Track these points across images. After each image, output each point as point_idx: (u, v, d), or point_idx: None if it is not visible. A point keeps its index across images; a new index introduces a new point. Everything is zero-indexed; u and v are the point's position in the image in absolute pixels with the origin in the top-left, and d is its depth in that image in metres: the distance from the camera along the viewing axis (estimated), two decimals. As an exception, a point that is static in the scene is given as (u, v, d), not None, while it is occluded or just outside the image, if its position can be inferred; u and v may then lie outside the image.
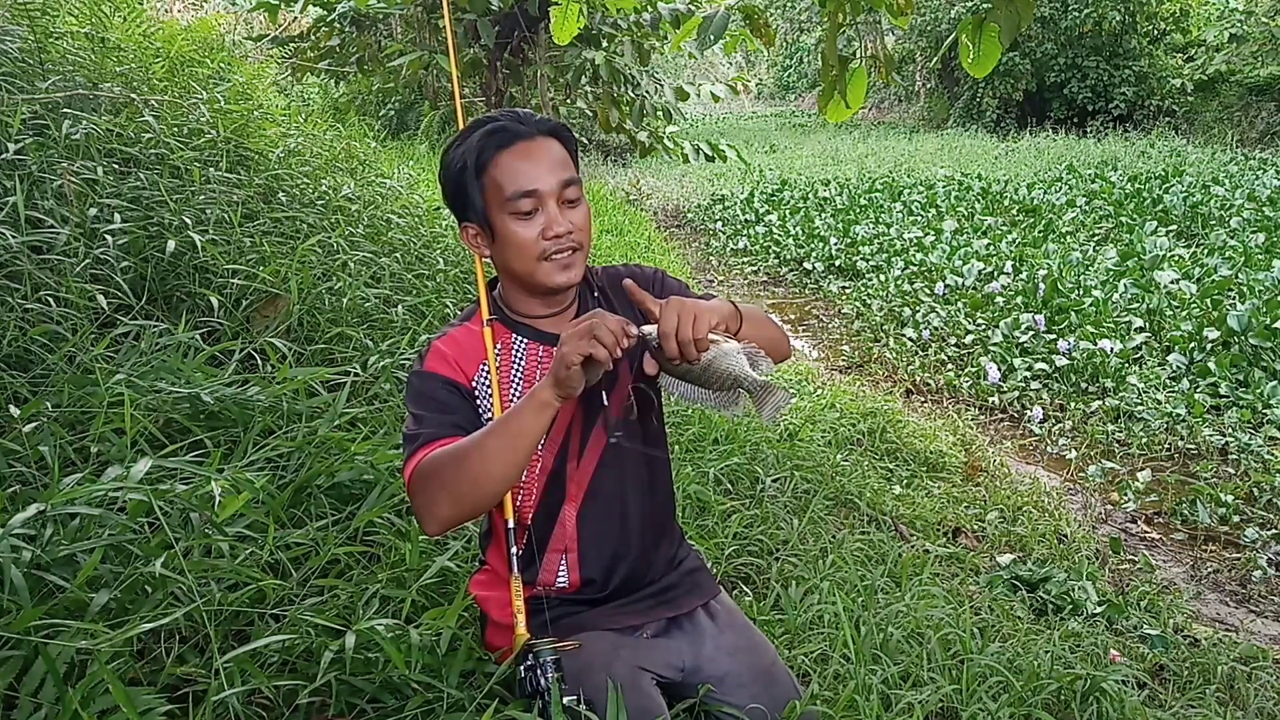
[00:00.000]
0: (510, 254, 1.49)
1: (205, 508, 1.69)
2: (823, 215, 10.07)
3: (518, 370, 1.55)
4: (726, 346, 1.36)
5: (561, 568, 1.58)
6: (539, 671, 1.40)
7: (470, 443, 1.40)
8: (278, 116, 4.77)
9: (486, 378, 1.54)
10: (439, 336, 1.58)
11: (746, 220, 10.37)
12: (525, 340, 1.56)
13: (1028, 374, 5.03)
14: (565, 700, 1.38)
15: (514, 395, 1.54)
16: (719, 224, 10.53)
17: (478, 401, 1.53)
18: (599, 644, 1.51)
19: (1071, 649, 2.40)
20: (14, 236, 2.37)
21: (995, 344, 5.41)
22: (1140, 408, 4.48)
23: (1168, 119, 18.44)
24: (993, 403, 4.82)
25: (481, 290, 1.58)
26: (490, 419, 1.52)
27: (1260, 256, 6.77)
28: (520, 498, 1.55)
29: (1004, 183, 11.52)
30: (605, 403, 1.57)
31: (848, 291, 7.34)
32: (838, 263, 8.08)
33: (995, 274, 6.84)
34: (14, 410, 1.82)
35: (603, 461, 1.57)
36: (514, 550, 1.49)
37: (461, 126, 1.57)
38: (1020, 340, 5.42)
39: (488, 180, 1.47)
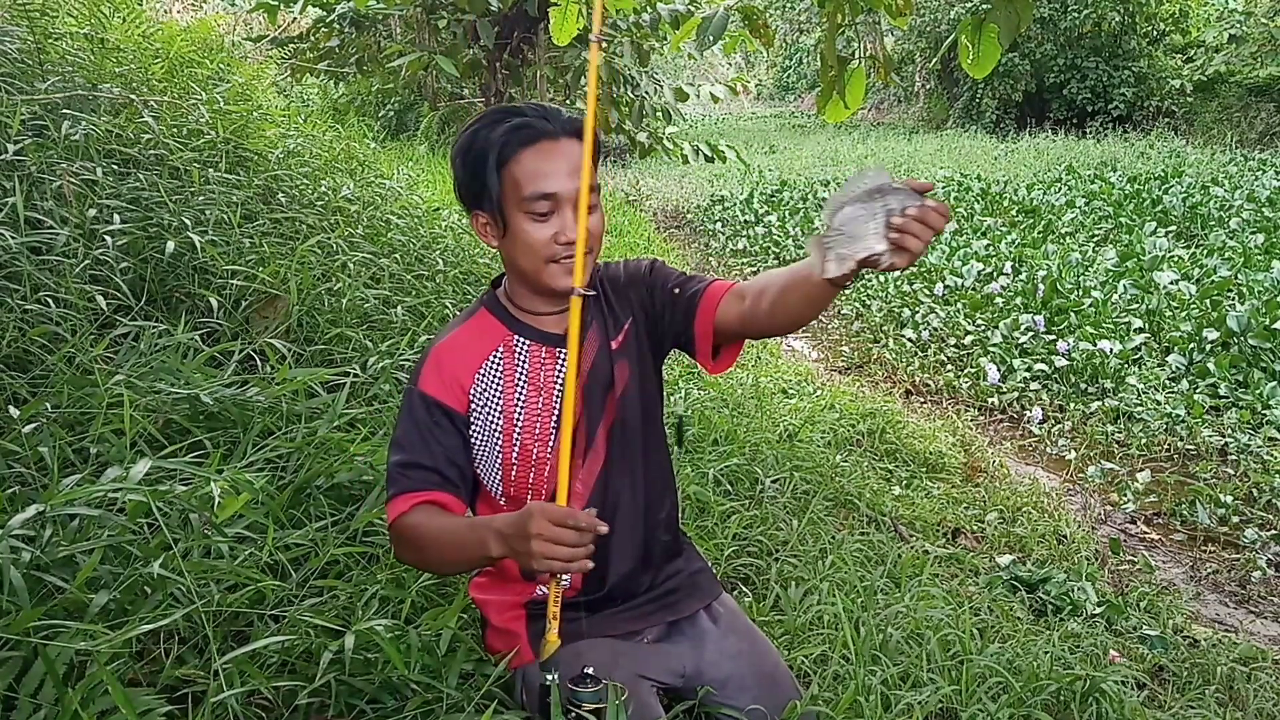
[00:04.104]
0: (520, 252, 1.48)
1: (205, 509, 1.69)
2: (822, 216, 10.06)
3: (521, 373, 1.55)
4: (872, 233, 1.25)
5: None
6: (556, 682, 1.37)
7: (431, 541, 1.44)
8: (277, 117, 4.77)
9: (487, 379, 1.54)
10: (440, 339, 1.57)
11: (746, 221, 10.37)
12: (528, 341, 1.56)
13: (1027, 375, 5.03)
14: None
15: (518, 399, 1.54)
16: (718, 225, 10.52)
17: (472, 418, 1.53)
18: (599, 652, 1.49)
19: (1071, 650, 2.40)
20: (13, 237, 2.37)
21: (995, 345, 5.41)
22: (1140, 408, 4.48)
23: (1167, 120, 18.44)
24: (992, 403, 4.82)
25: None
26: (493, 426, 1.53)
27: (1260, 257, 6.77)
28: (529, 496, 1.55)
29: (1003, 183, 11.52)
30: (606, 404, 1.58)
31: (847, 292, 7.33)
32: (837, 263, 8.07)
33: (995, 275, 6.83)
34: (13, 411, 1.82)
35: (607, 460, 1.58)
36: None
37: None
38: (1020, 341, 5.42)
39: (507, 175, 1.45)
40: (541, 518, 1.25)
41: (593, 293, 1.43)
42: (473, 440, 1.54)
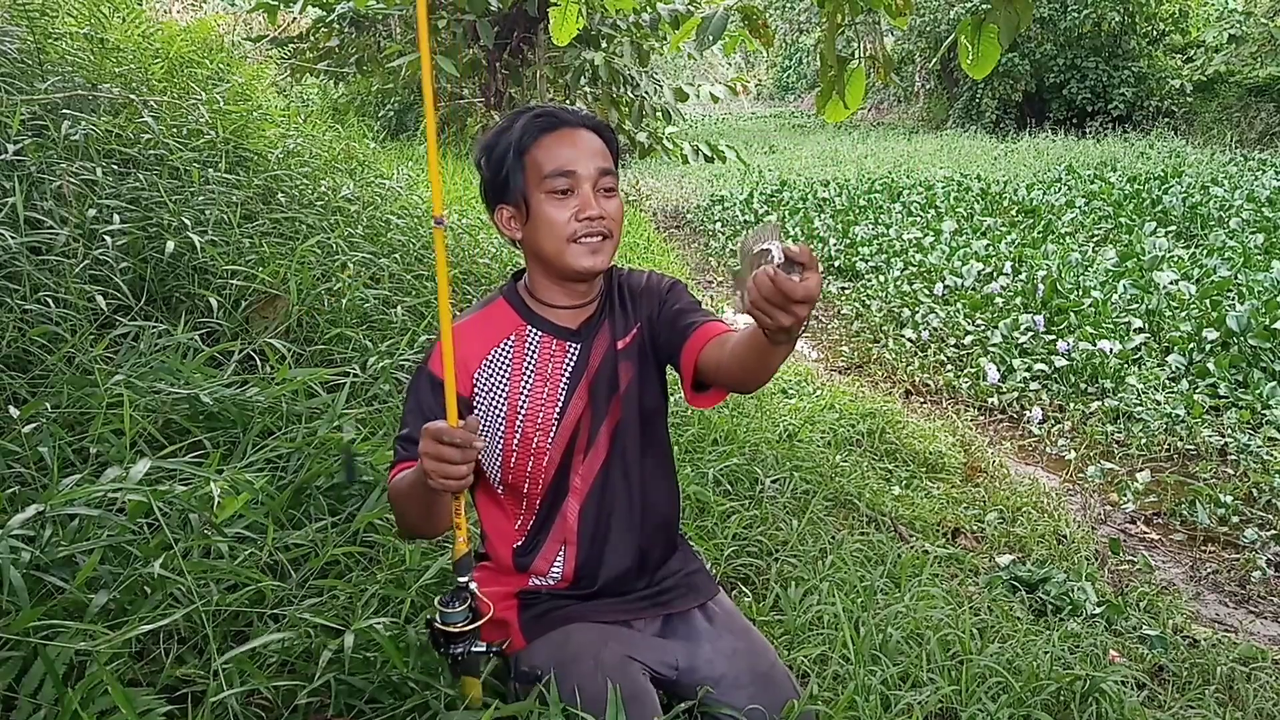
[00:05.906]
0: (542, 233, 1.51)
1: (205, 509, 1.69)
2: (822, 216, 10.08)
3: (530, 363, 1.57)
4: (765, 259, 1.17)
5: (558, 558, 1.60)
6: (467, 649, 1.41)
7: (399, 495, 1.47)
8: (277, 117, 4.77)
9: (494, 364, 1.56)
10: (455, 322, 1.58)
11: (746, 221, 10.37)
12: (540, 333, 1.58)
13: (1027, 375, 5.03)
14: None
15: (524, 388, 1.56)
16: (718, 225, 10.52)
17: (475, 401, 1.55)
18: (587, 634, 1.52)
19: (1071, 650, 2.40)
20: (13, 237, 2.37)
21: (994, 345, 5.42)
22: (1139, 408, 4.48)
23: (1167, 120, 18.46)
24: (992, 403, 4.82)
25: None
26: (496, 412, 1.55)
27: (1259, 257, 6.78)
28: (526, 484, 1.57)
29: (1003, 183, 11.54)
30: (610, 401, 1.59)
31: (847, 292, 7.35)
32: (837, 263, 8.08)
33: (994, 275, 6.84)
34: (13, 411, 1.82)
35: (608, 459, 1.59)
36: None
37: (431, 127, 1.54)
38: (1019, 341, 5.42)
39: (529, 160, 1.50)
40: (426, 437, 1.29)
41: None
42: None
